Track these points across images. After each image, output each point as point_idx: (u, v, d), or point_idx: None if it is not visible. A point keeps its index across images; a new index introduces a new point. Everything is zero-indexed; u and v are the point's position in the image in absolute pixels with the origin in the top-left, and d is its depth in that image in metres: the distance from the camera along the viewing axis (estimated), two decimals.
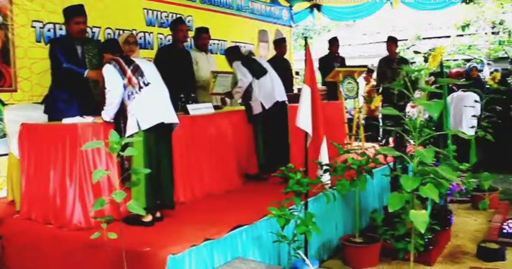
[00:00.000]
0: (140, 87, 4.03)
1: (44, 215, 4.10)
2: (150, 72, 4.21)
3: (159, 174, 4.12)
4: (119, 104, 4.09)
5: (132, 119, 3.98)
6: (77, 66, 4.73)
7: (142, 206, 3.84)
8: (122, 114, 4.10)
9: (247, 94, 5.71)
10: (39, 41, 5.70)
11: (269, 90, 5.73)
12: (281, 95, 5.83)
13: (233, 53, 6.11)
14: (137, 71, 4.09)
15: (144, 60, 4.48)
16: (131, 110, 4.00)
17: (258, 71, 5.75)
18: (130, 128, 3.97)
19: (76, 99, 4.79)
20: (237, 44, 9.10)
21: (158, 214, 4.13)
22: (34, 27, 5.69)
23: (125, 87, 4.04)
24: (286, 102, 5.91)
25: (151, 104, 4.06)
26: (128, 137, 3.91)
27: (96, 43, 5.27)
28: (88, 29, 6.19)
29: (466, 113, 7.77)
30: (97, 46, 5.08)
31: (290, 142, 5.72)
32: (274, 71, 5.96)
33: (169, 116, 4.21)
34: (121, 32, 6.45)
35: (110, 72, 4.08)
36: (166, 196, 4.21)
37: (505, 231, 5.31)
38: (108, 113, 4.11)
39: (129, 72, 4.06)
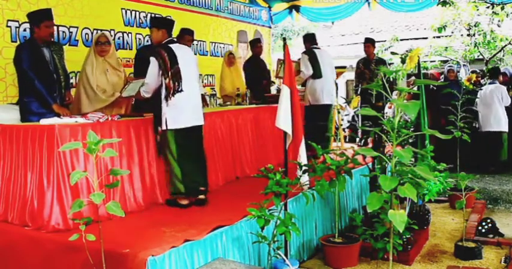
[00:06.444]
0: (174, 93, 4.40)
1: (21, 217, 4.04)
2: (189, 69, 4.59)
3: (195, 164, 4.64)
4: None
5: (163, 119, 4.48)
6: (48, 93, 4.84)
7: (181, 191, 4.54)
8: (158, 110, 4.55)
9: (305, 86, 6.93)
10: (15, 41, 5.58)
11: (318, 92, 6.84)
12: (330, 99, 6.86)
13: (308, 40, 7.25)
14: (176, 75, 4.46)
15: (186, 51, 4.76)
16: (163, 110, 4.48)
17: (315, 73, 6.77)
18: (162, 126, 4.52)
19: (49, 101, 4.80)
20: (216, 44, 9.11)
21: (202, 196, 4.66)
22: (9, 26, 5.59)
23: (161, 84, 4.46)
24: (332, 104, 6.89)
25: (182, 109, 4.50)
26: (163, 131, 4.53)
27: (60, 45, 5.34)
28: (65, 29, 6.15)
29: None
30: (62, 48, 5.21)
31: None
32: (331, 75, 6.99)
33: (197, 119, 4.68)
34: (99, 32, 6.38)
35: (152, 69, 4.47)
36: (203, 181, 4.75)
37: (481, 229, 5.38)
38: (144, 94, 4.63)
39: (170, 74, 4.40)
